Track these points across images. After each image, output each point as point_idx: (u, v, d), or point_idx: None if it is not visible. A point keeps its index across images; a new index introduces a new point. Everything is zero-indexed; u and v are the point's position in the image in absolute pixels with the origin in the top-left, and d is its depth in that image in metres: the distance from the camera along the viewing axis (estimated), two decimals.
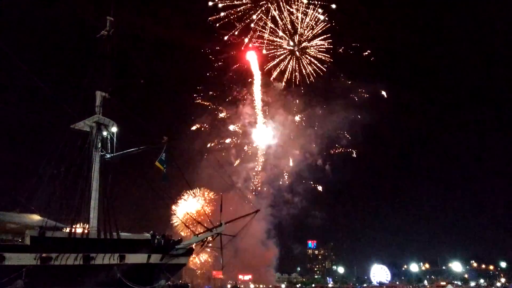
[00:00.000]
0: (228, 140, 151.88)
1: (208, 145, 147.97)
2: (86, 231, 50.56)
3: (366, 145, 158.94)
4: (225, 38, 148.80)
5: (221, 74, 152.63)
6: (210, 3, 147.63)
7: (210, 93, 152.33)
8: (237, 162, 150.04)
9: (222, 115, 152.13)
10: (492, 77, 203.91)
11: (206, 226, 55.78)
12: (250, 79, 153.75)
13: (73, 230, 49.05)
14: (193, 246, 56.37)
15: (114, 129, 56.99)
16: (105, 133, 56.40)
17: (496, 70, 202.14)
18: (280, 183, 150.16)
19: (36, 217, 49.56)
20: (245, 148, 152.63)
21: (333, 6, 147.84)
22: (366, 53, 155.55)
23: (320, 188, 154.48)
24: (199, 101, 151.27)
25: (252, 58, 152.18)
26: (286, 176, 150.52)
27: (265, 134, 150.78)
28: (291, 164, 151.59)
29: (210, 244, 55.37)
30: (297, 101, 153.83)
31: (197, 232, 57.07)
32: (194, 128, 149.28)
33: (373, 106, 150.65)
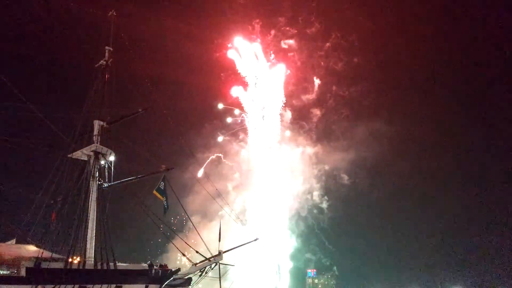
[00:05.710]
0: (229, 169, 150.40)
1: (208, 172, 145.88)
2: (82, 261, 49.85)
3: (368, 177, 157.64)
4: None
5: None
6: None
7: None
8: (235, 189, 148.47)
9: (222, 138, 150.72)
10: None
11: (203, 255, 55.25)
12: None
13: (69, 260, 48.35)
14: (191, 275, 55.64)
15: (112, 158, 57.00)
16: (102, 162, 56.34)
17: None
18: (278, 213, 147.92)
19: (32, 248, 48.89)
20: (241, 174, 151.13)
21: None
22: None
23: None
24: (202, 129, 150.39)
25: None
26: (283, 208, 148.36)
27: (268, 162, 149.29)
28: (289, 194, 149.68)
29: (209, 274, 54.71)
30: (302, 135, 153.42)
31: (195, 261, 56.40)
32: (195, 156, 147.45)
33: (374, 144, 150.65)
